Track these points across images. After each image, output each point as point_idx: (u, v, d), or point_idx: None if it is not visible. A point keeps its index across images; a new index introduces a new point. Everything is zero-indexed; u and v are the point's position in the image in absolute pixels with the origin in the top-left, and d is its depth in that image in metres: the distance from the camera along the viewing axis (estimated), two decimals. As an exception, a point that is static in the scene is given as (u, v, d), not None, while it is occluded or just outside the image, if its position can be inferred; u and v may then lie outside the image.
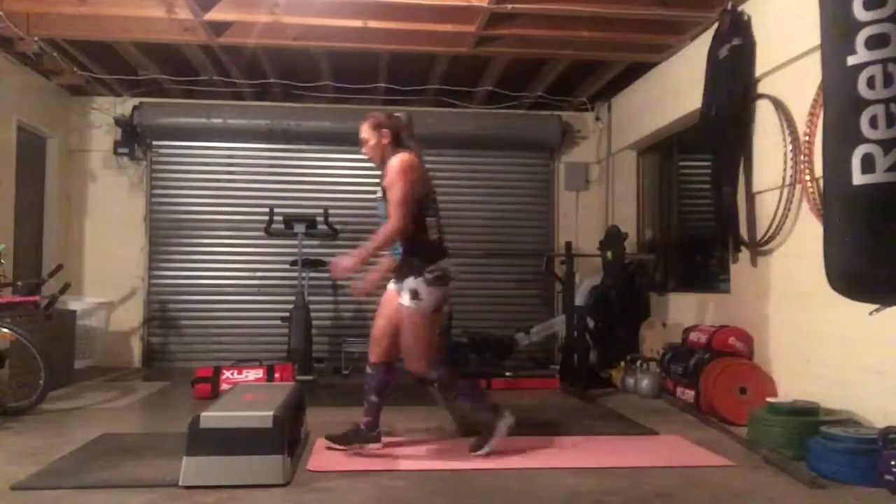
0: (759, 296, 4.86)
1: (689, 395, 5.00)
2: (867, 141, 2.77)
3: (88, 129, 7.57)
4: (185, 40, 5.98)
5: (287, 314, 6.33)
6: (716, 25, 5.23)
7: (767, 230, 4.73)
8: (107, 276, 7.40)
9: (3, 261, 5.72)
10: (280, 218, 6.67)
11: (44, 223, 7.22)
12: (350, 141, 7.19)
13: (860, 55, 2.79)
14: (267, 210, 6.90)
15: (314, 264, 6.76)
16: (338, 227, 6.93)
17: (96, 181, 7.58)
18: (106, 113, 7.53)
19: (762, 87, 4.91)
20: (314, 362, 6.34)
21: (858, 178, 2.79)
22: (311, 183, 7.71)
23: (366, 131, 3.90)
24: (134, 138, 7.43)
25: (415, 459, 3.68)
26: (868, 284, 2.94)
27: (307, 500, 3.03)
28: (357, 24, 5.60)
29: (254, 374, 5.49)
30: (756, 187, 4.97)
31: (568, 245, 6.49)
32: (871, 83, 2.77)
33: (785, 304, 4.58)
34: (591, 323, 6.54)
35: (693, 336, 5.29)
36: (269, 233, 6.84)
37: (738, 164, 5.08)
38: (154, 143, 7.61)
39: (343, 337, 7.27)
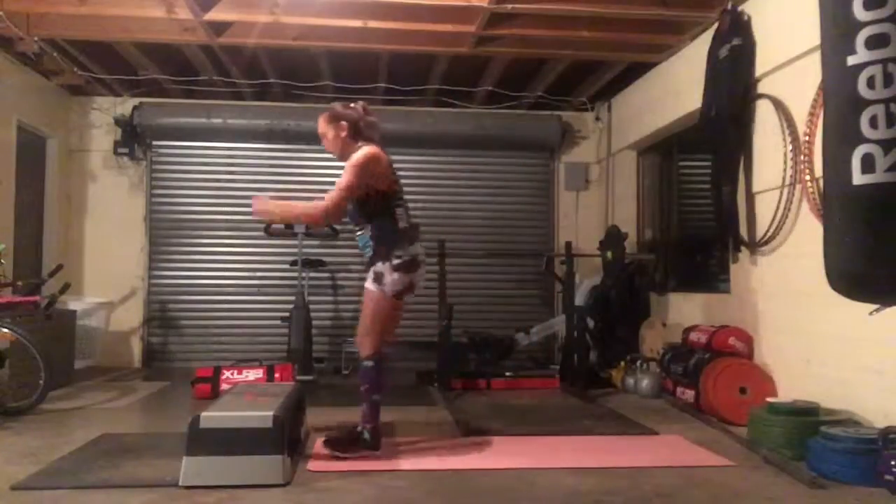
0: (759, 296, 4.86)
1: (689, 394, 5.00)
2: (867, 141, 2.77)
3: (88, 129, 7.57)
4: (185, 40, 5.97)
5: (287, 314, 6.32)
6: (716, 25, 5.23)
7: (767, 230, 4.73)
8: (107, 276, 7.40)
9: (3, 261, 5.73)
10: (280, 218, 6.66)
11: (44, 223, 7.22)
12: (350, 141, 7.27)
13: (860, 55, 2.79)
14: (267, 210, 6.88)
15: (314, 264, 6.75)
16: (338, 226, 6.93)
17: (96, 181, 7.58)
18: (106, 113, 7.53)
19: (762, 87, 4.91)
20: (314, 362, 6.34)
21: (858, 178, 2.79)
22: (312, 183, 7.69)
23: (322, 125, 3.79)
24: (134, 138, 7.43)
25: (415, 459, 3.67)
26: (868, 284, 2.93)
27: (307, 500, 3.03)
28: (357, 24, 5.60)
29: (254, 374, 5.48)
30: (756, 187, 4.97)
31: (568, 245, 6.50)
32: (871, 83, 2.76)
33: (785, 304, 4.58)
34: (591, 323, 6.54)
35: (693, 336, 5.29)
36: (269, 233, 6.84)
37: (738, 164, 5.08)
38: (154, 143, 7.61)
39: (343, 337, 7.25)
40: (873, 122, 2.76)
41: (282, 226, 6.60)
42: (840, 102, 2.90)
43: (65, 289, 5.94)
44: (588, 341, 6.34)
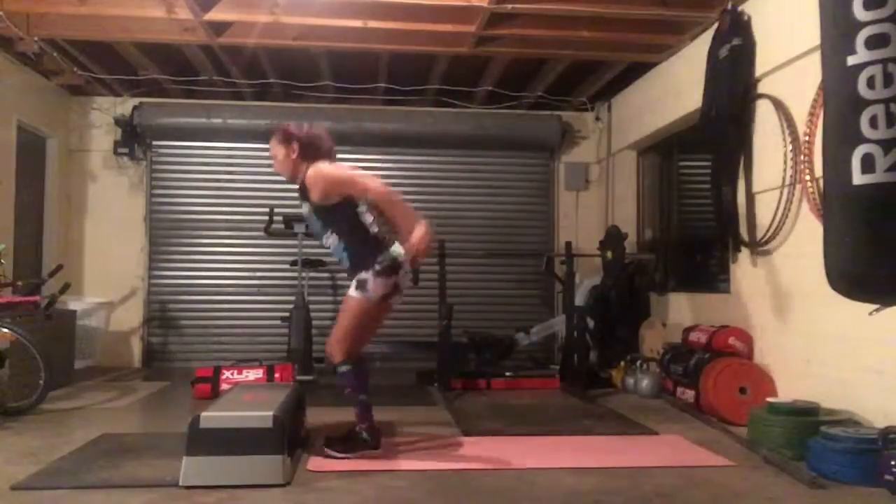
0: (759, 296, 4.86)
1: (689, 394, 5.00)
2: (867, 141, 2.77)
3: (88, 129, 7.57)
4: (185, 40, 5.97)
5: (287, 314, 6.32)
6: (716, 25, 5.23)
7: (767, 230, 4.73)
8: (107, 276, 7.40)
9: (3, 261, 5.72)
10: (280, 218, 6.66)
11: (44, 223, 7.22)
12: (350, 141, 7.27)
13: (860, 55, 2.79)
14: (267, 210, 6.89)
15: (314, 264, 6.75)
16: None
17: (96, 181, 7.58)
18: (106, 113, 7.53)
19: (762, 87, 4.91)
20: (314, 362, 6.33)
21: (858, 178, 2.79)
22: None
23: (275, 146, 3.79)
24: (134, 138, 7.43)
25: (415, 459, 3.68)
26: (868, 284, 2.93)
27: (307, 500, 3.03)
28: (357, 24, 5.60)
29: (254, 374, 5.48)
30: (756, 187, 4.97)
31: (568, 245, 6.49)
32: (871, 83, 2.76)
33: (785, 304, 4.58)
34: (591, 323, 6.54)
35: (693, 336, 5.29)
36: (269, 233, 6.83)
37: (737, 164, 5.08)
38: (154, 143, 7.61)
39: (343, 337, 7.25)
40: (873, 122, 2.76)
41: (282, 226, 6.61)
42: (840, 102, 2.90)
43: (65, 289, 5.94)
44: (588, 341, 6.33)
